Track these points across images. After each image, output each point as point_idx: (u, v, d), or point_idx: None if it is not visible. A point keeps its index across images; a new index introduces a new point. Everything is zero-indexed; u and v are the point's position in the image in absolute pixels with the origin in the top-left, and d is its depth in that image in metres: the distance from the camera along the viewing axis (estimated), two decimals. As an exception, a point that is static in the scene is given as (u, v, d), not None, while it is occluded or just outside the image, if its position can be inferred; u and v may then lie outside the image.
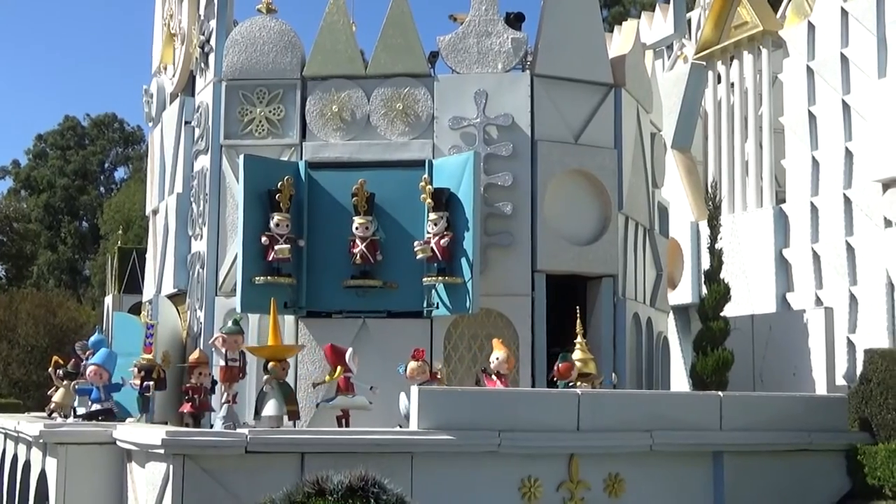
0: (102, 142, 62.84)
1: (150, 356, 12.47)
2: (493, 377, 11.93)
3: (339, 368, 11.59)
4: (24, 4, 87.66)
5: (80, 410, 12.63)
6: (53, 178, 60.48)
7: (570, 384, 12.04)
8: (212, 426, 11.68)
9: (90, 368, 12.59)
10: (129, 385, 12.58)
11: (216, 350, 11.83)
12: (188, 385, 11.92)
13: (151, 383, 12.21)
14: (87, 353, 13.44)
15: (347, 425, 11.44)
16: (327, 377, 11.75)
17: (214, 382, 11.91)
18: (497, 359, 11.99)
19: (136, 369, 12.41)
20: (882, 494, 11.87)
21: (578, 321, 12.70)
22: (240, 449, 9.74)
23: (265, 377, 11.32)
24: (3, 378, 30.67)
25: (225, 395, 11.57)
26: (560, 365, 12.13)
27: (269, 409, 11.17)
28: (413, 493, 9.82)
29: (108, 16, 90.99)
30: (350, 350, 11.72)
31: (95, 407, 12.46)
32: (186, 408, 11.80)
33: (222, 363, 11.65)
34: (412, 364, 11.59)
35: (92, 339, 13.59)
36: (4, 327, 31.58)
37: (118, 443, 11.02)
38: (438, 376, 11.81)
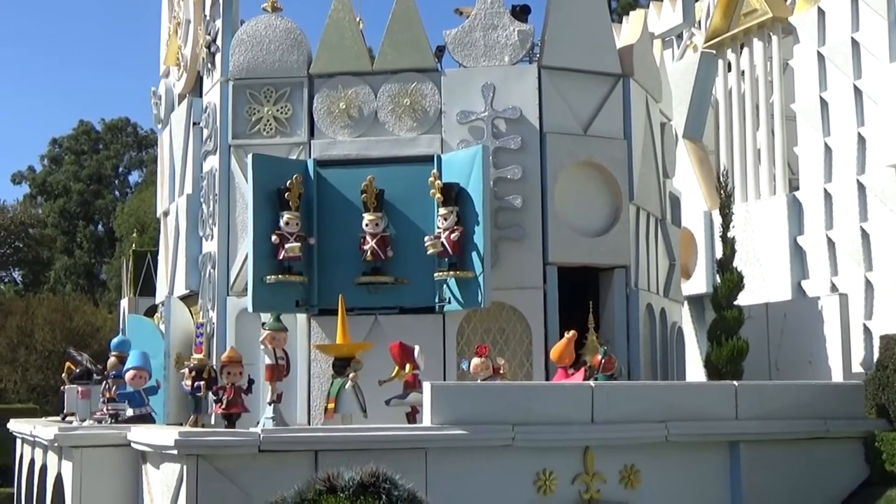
0: (116, 146, 63.03)
1: (201, 356, 12.27)
2: (570, 370, 12.08)
3: (408, 366, 11.56)
4: (36, 10, 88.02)
5: (129, 413, 12.44)
6: (69, 183, 60.67)
7: (612, 376, 12.13)
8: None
9: (130, 372, 12.40)
10: (182, 386, 12.45)
11: (265, 349, 11.69)
12: (218, 385, 11.63)
13: (202, 383, 11.86)
14: (112, 355, 13.33)
15: (415, 421, 11.37)
16: (401, 373, 11.62)
17: (252, 382, 11.66)
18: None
19: (187, 370, 12.24)
20: (900, 481, 11.79)
21: (591, 315, 12.66)
22: (253, 448, 9.75)
23: (351, 374, 11.29)
24: (21, 383, 30.77)
25: (271, 394, 11.50)
26: (605, 359, 12.20)
27: (350, 405, 11.21)
28: (427, 488, 9.81)
29: (120, 19, 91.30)
30: (417, 347, 11.73)
31: (137, 412, 12.34)
32: (216, 409, 11.56)
33: (269, 361, 11.53)
34: (476, 360, 11.67)
35: (115, 340, 13.47)
36: (22, 333, 31.68)
37: (132, 445, 11.04)
38: (501, 371, 11.85)
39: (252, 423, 11.44)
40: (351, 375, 11.30)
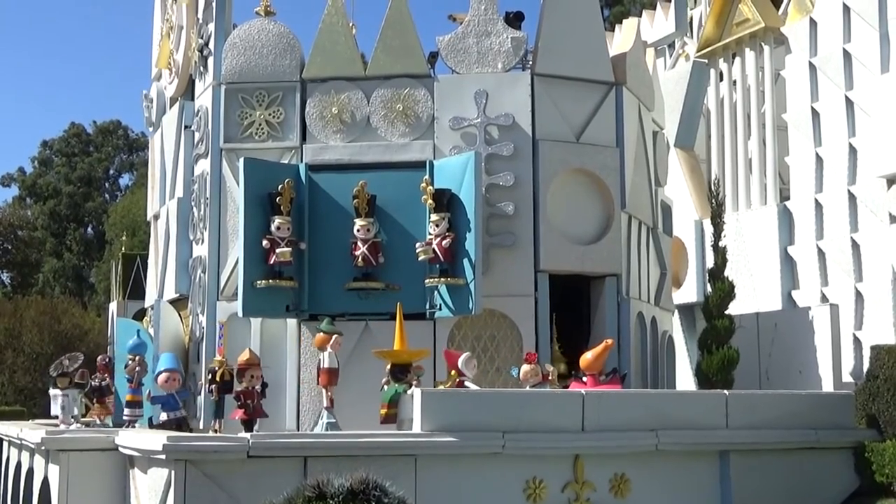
0: (107, 148, 62.92)
1: (220, 358, 12.05)
2: (584, 379, 12.13)
3: (453, 373, 11.57)
4: (28, 11, 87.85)
5: (163, 417, 12.16)
6: (59, 185, 60.54)
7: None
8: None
9: (162, 375, 12.16)
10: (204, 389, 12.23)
11: (329, 353, 11.61)
12: (239, 390, 11.40)
13: (214, 386, 11.61)
14: (128, 358, 13.08)
15: None
16: (445, 381, 11.66)
17: (265, 385, 11.59)
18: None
19: (208, 372, 12.04)
20: (890, 492, 11.79)
21: (553, 326, 12.72)
22: (242, 454, 9.69)
23: (413, 381, 11.30)
24: (8, 385, 30.60)
25: (327, 399, 11.51)
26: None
27: (410, 411, 11.09)
28: (417, 495, 9.76)
29: (112, 22, 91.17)
30: (465, 355, 11.73)
31: (170, 416, 12.06)
32: (238, 414, 11.35)
33: (328, 365, 11.53)
34: (525, 367, 11.80)
35: (131, 343, 13.25)
36: (9, 335, 31.50)
37: (120, 449, 10.96)
38: (550, 378, 11.89)
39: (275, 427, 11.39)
40: (413, 382, 11.30)
